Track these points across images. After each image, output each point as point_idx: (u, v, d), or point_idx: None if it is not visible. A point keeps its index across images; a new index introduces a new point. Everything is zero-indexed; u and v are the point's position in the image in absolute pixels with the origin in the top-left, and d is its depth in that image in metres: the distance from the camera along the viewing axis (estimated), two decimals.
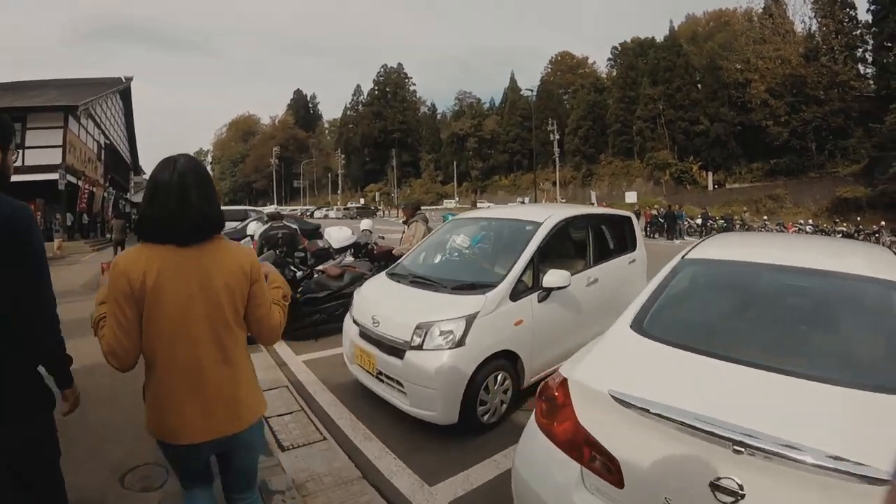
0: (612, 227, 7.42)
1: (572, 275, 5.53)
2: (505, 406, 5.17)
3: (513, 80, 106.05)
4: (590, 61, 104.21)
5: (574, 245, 6.81)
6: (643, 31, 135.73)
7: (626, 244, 7.63)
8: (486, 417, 4.93)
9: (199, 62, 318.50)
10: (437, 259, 6.92)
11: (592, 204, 37.71)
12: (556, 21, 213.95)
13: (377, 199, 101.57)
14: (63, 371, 2.42)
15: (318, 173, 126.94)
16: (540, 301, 5.42)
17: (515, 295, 5.19)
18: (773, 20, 61.65)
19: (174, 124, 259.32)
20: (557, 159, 77.22)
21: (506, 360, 5.07)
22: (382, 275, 6.47)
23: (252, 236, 11.72)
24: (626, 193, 63.47)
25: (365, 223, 11.63)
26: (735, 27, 68.06)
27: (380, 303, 5.57)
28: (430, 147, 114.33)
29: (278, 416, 5.26)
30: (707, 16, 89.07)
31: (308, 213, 62.68)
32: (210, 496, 2.65)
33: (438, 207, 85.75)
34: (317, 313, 8.19)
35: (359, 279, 8.42)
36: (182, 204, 2.24)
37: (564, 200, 68.14)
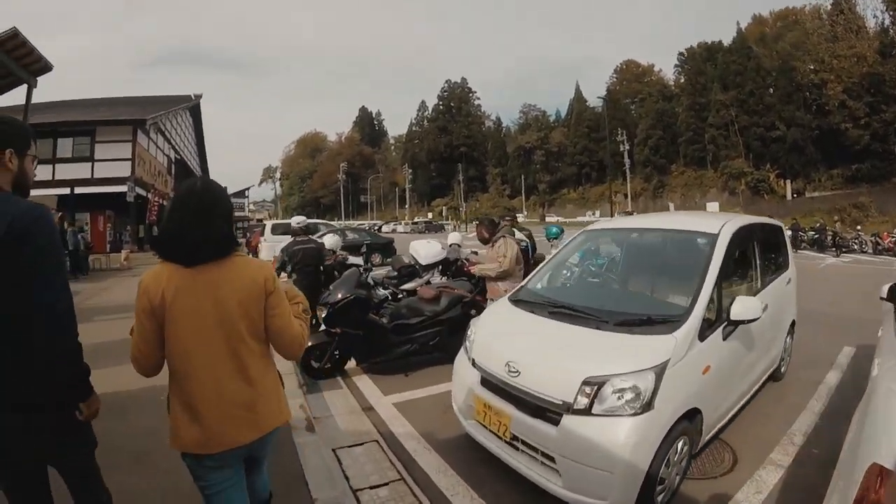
0: (769, 240, 6.07)
1: None
2: (679, 479, 3.80)
3: (578, 91, 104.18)
4: (656, 69, 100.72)
5: (739, 263, 5.28)
6: (709, 35, 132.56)
7: (781, 260, 6.33)
8: (661, 497, 3.56)
9: (266, 83, 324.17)
10: (570, 281, 5.61)
11: None
12: (619, 29, 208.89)
13: (444, 213, 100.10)
14: (74, 381, 2.33)
15: (384, 189, 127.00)
16: (724, 339, 4.10)
17: (702, 333, 3.84)
18: (844, 16, 58.54)
19: (243, 143, 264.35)
20: (628, 170, 75.01)
21: (688, 422, 3.70)
22: (505, 302, 5.10)
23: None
24: (707, 204, 59.02)
25: (453, 237, 10.35)
26: (805, 25, 65.08)
27: (515, 342, 4.21)
28: (497, 161, 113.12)
29: (370, 488, 4.04)
30: (774, 15, 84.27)
31: (376, 228, 61.92)
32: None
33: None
34: (408, 342, 6.94)
35: (457, 303, 7.22)
36: (182, 225, 2.32)
37: (634, 213, 65.76)
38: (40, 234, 2.13)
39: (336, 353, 6.90)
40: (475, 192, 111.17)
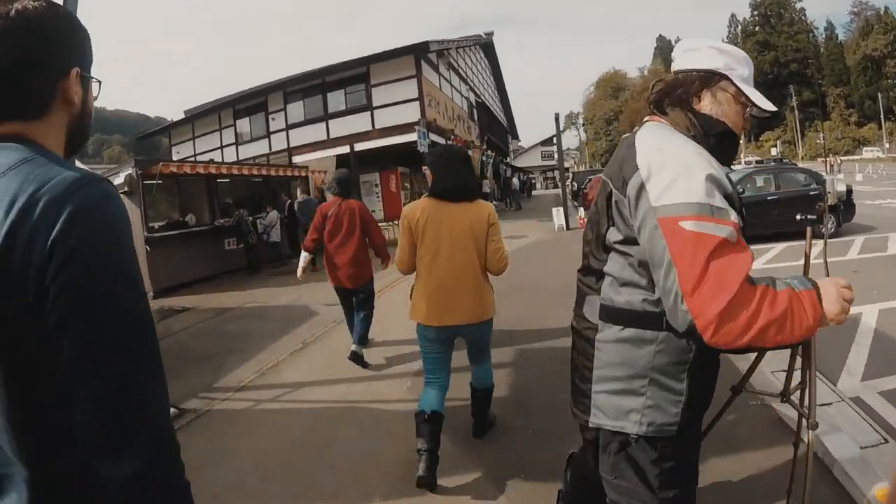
0: None
1: None
2: None
3: None
4: None
5: None
6: None
7: None
8: None
9: (557, 30, 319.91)
10: None
11: None
12: None
13: (779, 149, 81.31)
14: None
15: None
16: None
17: None
18: None
19: (541, 91, 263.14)
20: None
21: None
22: None
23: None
24: None
25: None
26: None
27: None
28: (836, 79, 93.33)
29: None
30: None
31: None
32: (440, 396, 3.89)
33: (856, 158, 68.64)
34: None
35: None
36: (446, 179, 3.82)
37: None
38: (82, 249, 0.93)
39: None
40: (813, 121, 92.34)
